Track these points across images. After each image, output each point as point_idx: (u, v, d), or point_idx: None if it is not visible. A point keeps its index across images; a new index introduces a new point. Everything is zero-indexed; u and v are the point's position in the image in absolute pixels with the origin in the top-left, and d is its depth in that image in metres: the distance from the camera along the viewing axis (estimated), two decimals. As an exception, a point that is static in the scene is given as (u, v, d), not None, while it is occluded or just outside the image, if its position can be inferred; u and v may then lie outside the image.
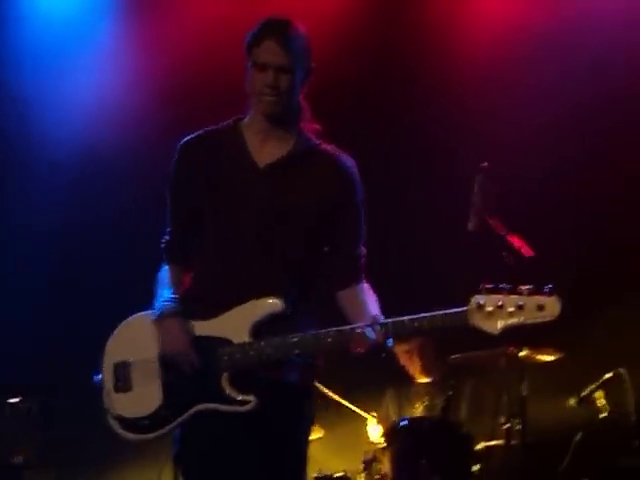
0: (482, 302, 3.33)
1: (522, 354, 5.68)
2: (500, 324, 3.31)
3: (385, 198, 5.73)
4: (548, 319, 3.32)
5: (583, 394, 5.80)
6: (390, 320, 3.47)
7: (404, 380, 6.51)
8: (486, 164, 5.31)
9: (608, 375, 5.78)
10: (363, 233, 3.74)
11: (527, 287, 3.34)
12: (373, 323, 3.45)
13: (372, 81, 6.73)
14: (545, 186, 6.30)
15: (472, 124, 6.47)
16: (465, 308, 3.35)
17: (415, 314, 3.41)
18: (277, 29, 3.54)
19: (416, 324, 3.41)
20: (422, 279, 6.51)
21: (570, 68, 6.39)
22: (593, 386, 5.79)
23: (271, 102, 3.56)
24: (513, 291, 3.33)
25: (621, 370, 5.77)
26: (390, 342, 3.49)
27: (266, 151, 3.64)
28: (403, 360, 6.50)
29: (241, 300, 3.53)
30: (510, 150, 6.21)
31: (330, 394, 6.17)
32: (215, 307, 3.58)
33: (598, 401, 5.78)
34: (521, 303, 3.31)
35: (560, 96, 6.40)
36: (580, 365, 6.02)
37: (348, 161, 3.70)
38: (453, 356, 6.14)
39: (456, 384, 6.15)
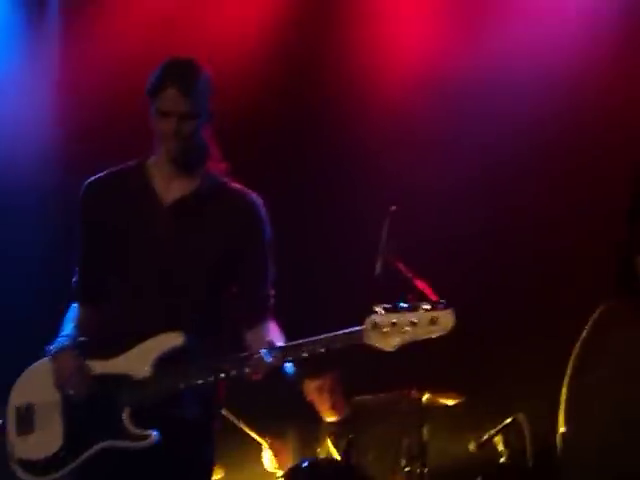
0: (377, 321, 3.40)
1: (424, 397, 5.74)
2: (395, 341, 3.39)
3: (291, 239, 5.74)
4: (440, 333, 3.40)
5: (483, 439, 5.86)
6: (287, 344, 3.53)
7: (310, 417, 6.50)
8: (395, 208, 5.38)
9: (507, 420, 5.85)
10: (270, 273, 3.75)
11: (424, 304, 3.43)
12: (269, 347, 3.47)
13: (279, 120, 6.74)
14: (453, 230, 6.36)
15: (383, 165, 6.51)
16: (361, 327, 3.41)
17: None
18: (178, 75, 3.53)
19: (312, 346, 3.46)
20: (327, 319, 6.50)
21: (480, 114, 6.48)
22: (493, 431, 5.85)
23: (175, 148, 3.58)
24: (409, 309, 3.41)
25: (520, 416, 5.84)
26: (289, 367, 3.52)
27: (172, 190, 3.64)
28: (312, 396, 6.50)
29: (143, 338, 3.52)
30: (419, 193, 6.26)
31: (233, 420, 6.14)
32: (118, 346, 3.56)
33: (497, 446, 5.84)
34: (415, 320, 3.39)
35: (469, 142, 6.47)
36: (480, 410, 6.08)
37: (255, 199, 3.71)
38: (357, 397, 6.16)
39: (360, 426, 6.16)
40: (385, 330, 3.39)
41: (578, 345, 5.85)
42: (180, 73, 3.55)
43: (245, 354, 3.50)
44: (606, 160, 6.07)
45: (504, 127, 6.35)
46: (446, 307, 3.42)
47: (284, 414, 6.38)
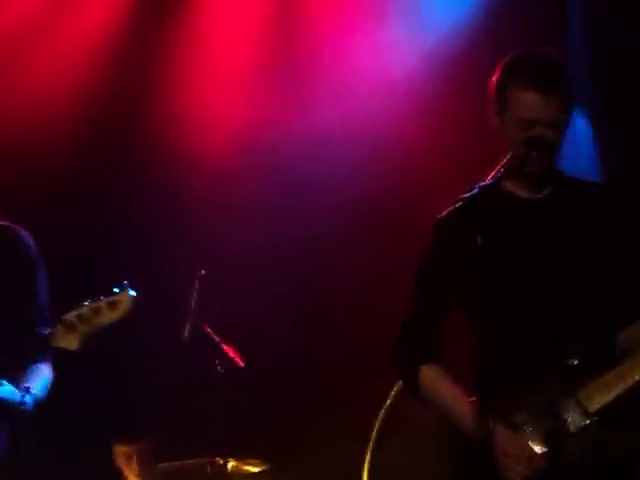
0: (66, 317, 3.53)
1: (229, 465, 5.68)
2: (79, 337, 3.53)
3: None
4: (122, 314, 3.55)
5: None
6: None
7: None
8: (204, 272, 5.35)
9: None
10: (43, 312, 3.77)
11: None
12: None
13: (93, 174, 6.60)
14: (263, 297, 6.35)
15: (196, 227, 6.45)
16: (52, 330, 3.56)
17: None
18: None
19: None
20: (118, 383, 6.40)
21: (301, 184, 6.50)
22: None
23: None
24: (92, 301, 3.57)
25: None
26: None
27: None
28: (120, 462, 6.34)
29: None
30: (231, 258, 6.24)
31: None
32: None
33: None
34: (96, 307, 3.54)
35: (285, 210, 6.49)
36: (284, 477, 6.07)
37: (25, 236, 3.76)
38: (160, 464, 6.05)
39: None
40: (72, 324, 3.50)
41: (381, 413, 5.97)
42: None
43: None
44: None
45: (324, 200, 6.38)
46: (122, 289, 3.55)
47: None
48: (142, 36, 6.67)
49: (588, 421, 3.32)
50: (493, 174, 3.43)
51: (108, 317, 3.53)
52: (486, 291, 3.41)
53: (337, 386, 6.19)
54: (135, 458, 6.29)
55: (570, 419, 3.33)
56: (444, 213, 3.57)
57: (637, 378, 3.33)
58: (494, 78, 3.51)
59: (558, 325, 3.44)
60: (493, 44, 5.90)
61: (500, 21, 6.13)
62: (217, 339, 5.22)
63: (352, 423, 5.93)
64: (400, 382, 5.85)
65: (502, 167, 3.43)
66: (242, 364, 5.14)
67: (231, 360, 5.12)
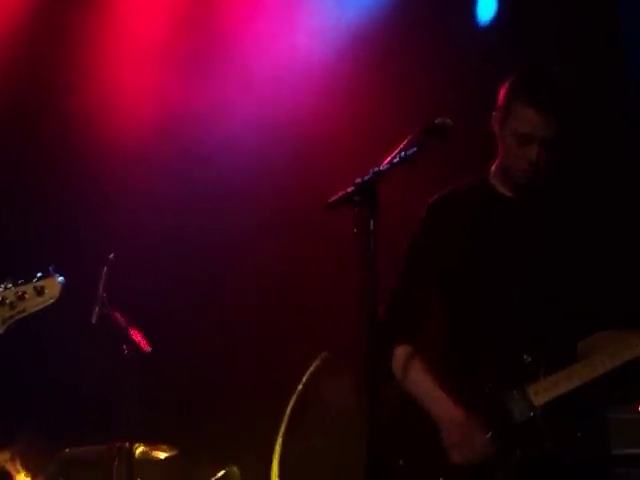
0: None
1: (137, 450, 5.64)
2: (2, 321, 3.40)
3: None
4: (51, 301, 3.44)
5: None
6: None
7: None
8: (112, 256, 5.29)
9: (221, 473, 5.85)
10: None
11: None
12: None
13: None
14: (172, 281, 6.31)
15: (102, 214, 6.37)
16: None
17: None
18: None
19: None
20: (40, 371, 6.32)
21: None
22: (205, 483, 5.83)
23: None
24: (18, 284, 3.43)
25: (234, 468, 5.87)
26: None
27: None
28: (9, 468, 6.26)
29: None
30: (136, 242, 6.18)
31: None
32: None
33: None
34: (22, 291, 3.41)
35: (187, 198, 6.45)
36: (193, 462, 6.05)
37: None
38: (68, 450, 5.98)
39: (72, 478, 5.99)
40: None
41: (293, 398, 5.97)
42: None
43: None
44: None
45: (238, 188, 6.34)
46: (48, 275, 3.45)
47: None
48: (55, 19, 6.57)
49: (532, 414, 3.51)
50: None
51: (33, 302, 3.42)
52: (460, 280, 3.69)
53: (248, 372, 6.19)
54: (18, 460, 6.23)
55: (516, 410, 3.52)
56: (433, 199, 3.81)
57: (583, 380, 3.51)
58: (503, 89, 3.72)
59: (524, 322, 3.62)
60: (407, 25, 5.98)
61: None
62: (124, 323, 5.17)
63: (263, 408, 5.94)
64: (312, 367, 5.91)
65: (493, 166, 3.74)
66: (148, 349, 5.11)
67: (137, 345, 5.09)
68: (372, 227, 3.03)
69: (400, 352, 3.71)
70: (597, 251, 3.70)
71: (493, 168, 3.76)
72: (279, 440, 5.82)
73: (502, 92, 3.72)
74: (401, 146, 3.23)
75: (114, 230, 6.19)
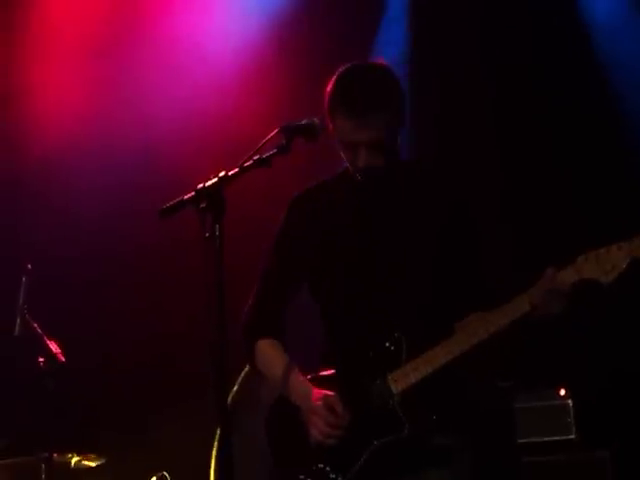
0: None
1: (67, 460, 5.61)
2: None
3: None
4: None
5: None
6: None
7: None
8: (30, 266, 5.26)
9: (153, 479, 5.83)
10: None
11: None
12: None
13: None
14: (90, 291, 6.28)
15: (15, 224, 6.34)
16: None
17: None
18: None
19: None
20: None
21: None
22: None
23: None
24: None
25: (165, 474, 5.85)
26: None
27: None
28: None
29: None
30: (57, 251, 6.15)
31: None
32: None
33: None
34: None
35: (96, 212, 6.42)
36: (124, 470, 6.02)
37: None
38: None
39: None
40: None
41: (229, 399, 5.94)
42: None
43: None
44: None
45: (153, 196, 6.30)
46: None
47: None
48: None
49: (391, 401, 3.48)
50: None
51: None
52: (321, 273, 3.64)
53: (174, 378, 6.17)
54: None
55: (376, 399, 3.49)
56: (299, 192, 3.73)
57: (441, 362, 3.47)
58: (325, 96, 3.57)
59: (384, 311, 3.56)
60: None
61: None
62: (40, 334, 5.13)
63: (194, 413, 5.91)
64: (247, 367, 5.88)
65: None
66: (64, 360, 5.08)
67: (54, 356, 5.05)
68: (217, 232, 2.99)
69: (260, 346, 3.70)
70: (459, 233, 3.60)
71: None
72: (216, 443, 5.80)
73: (324, 99, 3.59)
74: (259, 146, 3.17)
75: (36, 239, 6.19)
